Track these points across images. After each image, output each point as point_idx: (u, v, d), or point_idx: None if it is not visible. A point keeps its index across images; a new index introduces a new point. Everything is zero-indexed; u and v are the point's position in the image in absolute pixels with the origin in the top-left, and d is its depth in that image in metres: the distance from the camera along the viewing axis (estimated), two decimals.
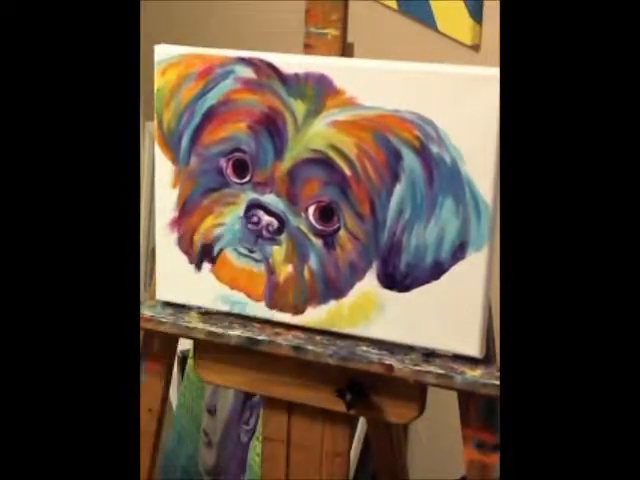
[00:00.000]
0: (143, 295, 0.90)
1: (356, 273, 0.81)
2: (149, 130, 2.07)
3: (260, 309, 0.86)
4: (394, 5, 1.37)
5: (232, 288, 0.86)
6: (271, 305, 0.85)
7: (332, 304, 0.83)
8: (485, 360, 0.80)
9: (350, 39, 0.88)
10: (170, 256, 0.88)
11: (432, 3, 1.27)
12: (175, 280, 0.89)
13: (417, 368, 0.80)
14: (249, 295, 0.86)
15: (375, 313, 0.81)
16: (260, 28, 1.72)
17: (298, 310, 0.84)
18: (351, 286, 0.81)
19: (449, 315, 0.79)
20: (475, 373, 0.79)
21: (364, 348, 0.83)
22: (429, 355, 0.81)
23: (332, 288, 0.82)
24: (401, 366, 0.81)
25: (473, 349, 0.79)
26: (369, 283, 0.81)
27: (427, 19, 1.29)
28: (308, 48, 0.87)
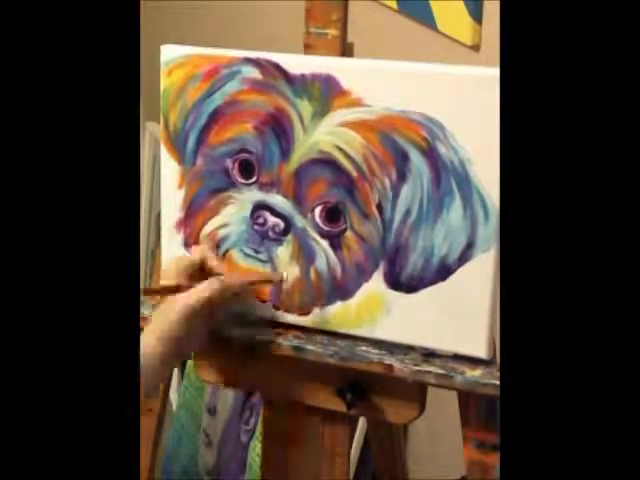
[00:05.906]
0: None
1: (363, 274, 0.81)
2: (149, 130, 2.07)
3: (266, 310, 0.86)
4: (394, 5, 1.37)
5: None
6: (277, 306, 0.85)
7: (338, 305, 0.82)
8: (485, 360, 0.80)
9: (350, 39, 0.88)
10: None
11: (432, 3, 1.27)
12: None
13: (417, 368, 0.80)
14: (255, 296, 0.85)
15: (382, 314, 0.81)
16: (260, 28, 1.72)
17: (304, 311, 0.84)
18: (358, 287, 0.81)
19: (456, 316, 0.79)
20: (475, 373, 0.79)
21: (364, 348, 0.83)
22: (429, 355, 0.81)
23: (338, 289, 0.82)
24: (401, 366, 0.81)
25: (480, 350, 0.79)
26: (376, 284, 0.81)
27: (427, 19, 1.29)
28: (308, 48, 0.87)
